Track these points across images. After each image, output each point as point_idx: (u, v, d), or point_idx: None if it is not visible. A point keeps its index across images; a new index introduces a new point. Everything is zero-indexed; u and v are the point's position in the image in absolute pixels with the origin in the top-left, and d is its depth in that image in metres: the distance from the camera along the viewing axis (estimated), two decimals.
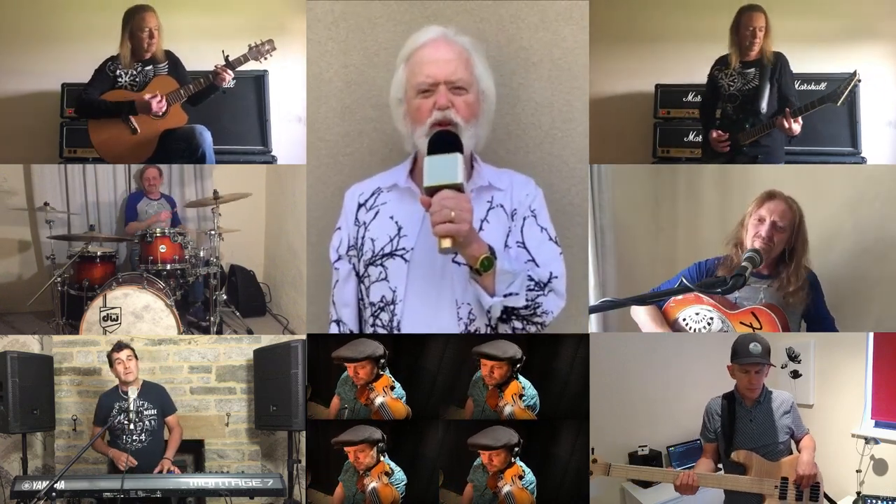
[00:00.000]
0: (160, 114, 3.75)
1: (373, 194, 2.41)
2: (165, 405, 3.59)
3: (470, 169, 2.34)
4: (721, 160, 3.79)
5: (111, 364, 3.50)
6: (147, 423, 3.49)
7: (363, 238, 2.37)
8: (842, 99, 3.46)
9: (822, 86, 4.25)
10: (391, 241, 2.32)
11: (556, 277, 2.27)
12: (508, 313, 2.24)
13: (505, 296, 2.17)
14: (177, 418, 3.63)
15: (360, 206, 2.41)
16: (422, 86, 2.23)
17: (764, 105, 3.68)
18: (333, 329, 2.46)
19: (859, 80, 3.50)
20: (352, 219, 2.41)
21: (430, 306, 2.27)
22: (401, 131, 2.35)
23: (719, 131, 3.76)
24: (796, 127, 3.56)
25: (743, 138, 3.70)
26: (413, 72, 2.27)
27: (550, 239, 2.34)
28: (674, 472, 2.95)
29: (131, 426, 3.42)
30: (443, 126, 2.19)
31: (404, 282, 2.28)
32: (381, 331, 2.33)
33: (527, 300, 2.21)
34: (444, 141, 2.11)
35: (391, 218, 2.34)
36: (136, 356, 3.51)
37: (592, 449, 2.78)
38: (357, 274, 2.39)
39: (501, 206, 2.32)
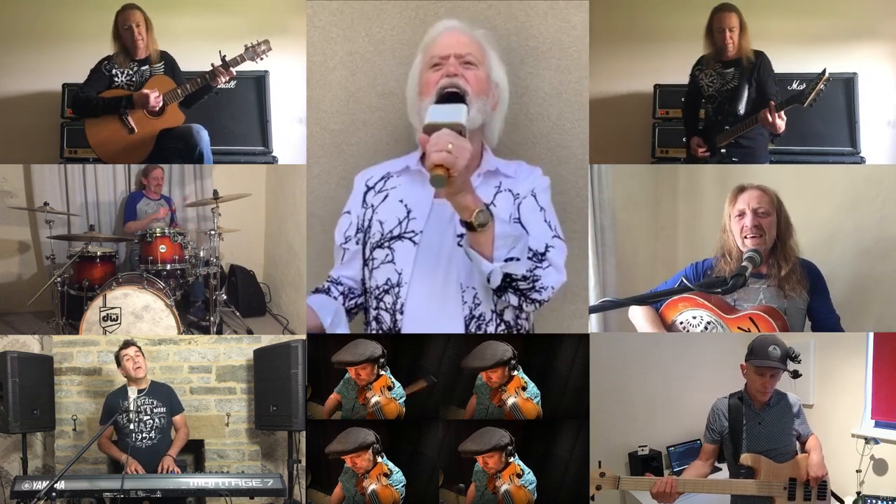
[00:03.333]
0: (157, 109, 3.74)
1: (382, 178, 2.42)
2: (173, 404, 3.60)
3: (479, 158, 2.34)
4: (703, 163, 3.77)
5: (118, 362, 3.50)
6: (157, 420, 3.50)
7: (371, 220, 2.36)
8: (809, 100, 3.40)
9: (821, 86, 4.24)
10: (400, 223, 2.31)
11: (553, 248, 2.23)
12: (507, 283, 2.16)
13: (506, 260, 2.11)
14: (184, 418, 3.63)
15: (368, 188, 2.41)
16: (433, 60, 2.29)
17: (741, 106, 3.63)
18: (324, 294, 2.44)
19: (828, 80, 3.41)
20: (359, 201, 2.41)
21: (436, 290, 2.26)
22: (415, 125, 2.36)
23: (698, 138, 3.75)
24: (780, 123, 3.48)
25: (720, 140, 3.66)
26: (427, 54, 2.32)
27: (545, 221, 2.29)
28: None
29: (131, 426, 3.42)
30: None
31: (411, 264, 2.27)
32: (384, 314, 2.31)
33: (526, 269, 2.16)
34: (451, 96, 2.14)
35: (401, 201, 2.34)
36: (142, 353, 3.52)
37: (599, 462, 2.76)
38: (363, 257, 2.39)
39: (509, 190, 2.32)
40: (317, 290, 2.47)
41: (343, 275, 2.45)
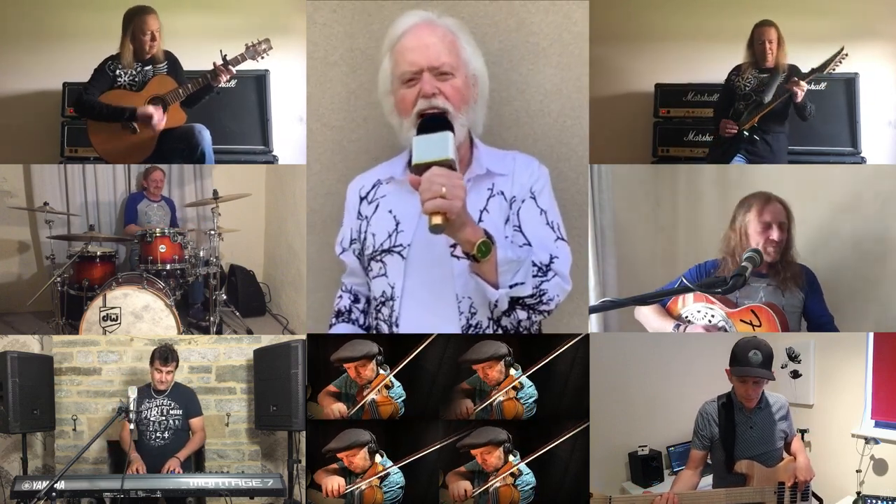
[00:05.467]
0: (158, 129, 3.75)
1: (373, 187, 2.36)
2: (190, 407, 3.62)
3: (469, 155, 2.27)
4: (723, 147, 3.93)
5: (151, 363, 3.55)
6: (171, 421, 3.53)
7: (365, 232, 2.32)
8: (828, 68, 3.79)
9: (822, 85, 4.26)
10: (389, 236, 2.27)
11: (558, 258, 2.18)
12: (513, 303, 2.13)
13: (511, 286, 2.07)
14: (202, 422, 3.66)
15: (361, 199, 2.37)
16: (406, 75, 2.15)
17: (767, 97, 3.87)
18: (341, 303, 2.44)
19: (846, 55, 3.76)
20: (354, 213, 2.37)
21: (430, 302, 2.22)
22: (393, 125, 2.28)
23: (727, 120, 3.95)
24: (804, 86, 3.80)
25: (743, 122, 3.89)
26: (397, 62, 2.18)
27: (548, 223, 2.24)
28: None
29: (131, 426, 3.42)
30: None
31: (401, 278, 2.23)
32: (382, 324, 2.29)
33: (532, 288, 2.12)
34: (435, 122, 2.01)
35: (390, 212, 2.29)
36: (175, 370, 3.57)
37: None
38: (362, 265, 2.38)
39: (502, 192, 2.24)
40: (339, 314, 2.45)
41: (354, 283, 2.45)
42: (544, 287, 2.14)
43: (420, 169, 1.92)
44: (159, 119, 3.73)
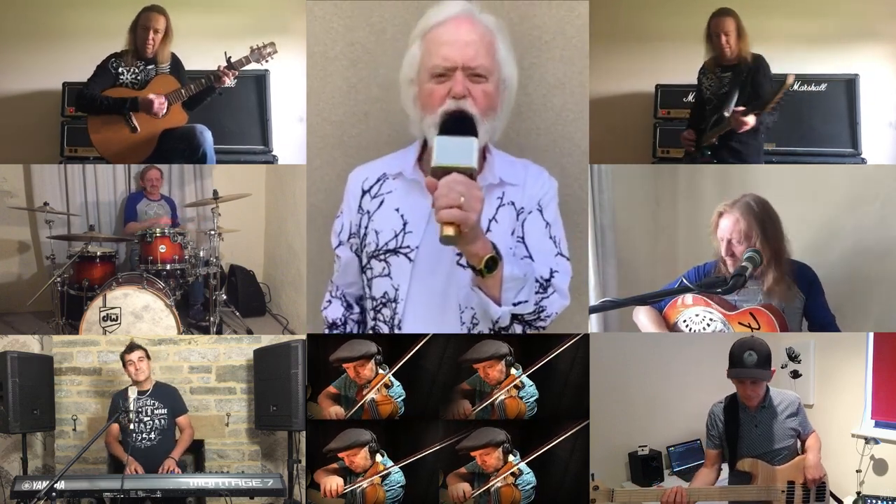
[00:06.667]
0: (160, 115, 3.75)
1: (378, 181, 2.26)
2: (176, 406, 3.61)
3: (483, 162, 2.17)
4: (692, 158, 3.84)
5: (124, 365, 3.52)
6: (157, 421, 3.52)
7: (367, 228, 2.24)
8: (769, 107, 3.49)
9: (823, 87, 4.25)
10: (396, 236, 2.19)
11: (558, 272, 2.13)
12: (512, 318, 2.09)
13: (514, 304, 2.01)
14: (188, 420, 3.65)
15: (364, 192, 2.27)
16: (437, 69, 2.04)
17: (728, 110, 3.62)
18: (331, 311, 2.37)
19: (791, 87, 3.49)
20: (355, 205, 2.28)
21: (433, 308, 2.17)
22: (409, 114, 2.19)
23: (691, 130, 3.82)
24: (750, 120, 3.51)
25: (704, 139, 3.74)
26: (429, 52, 2.07)
27: (551, 237, 2.18)
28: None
29: (131, 426, 3.43)
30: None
31: (407, 281, 2.17)
32: (382, 326, 2.24)
33: (534, 304, 2.07)
34: (459, 123, 1.94)
35: (396, 210, 2.20)
36: (147, 356, 3.55)
37: (592, 475, 2.75)
38: (359, 261, 2.30)
39: (512, 202, 2.18)
40: (333, 326, 2.39)
41: (344, 284, 2.37)
42: (544, 304, 2.10)
43: (438, 172, 1.83)
44: (160, 104, 3.73)
